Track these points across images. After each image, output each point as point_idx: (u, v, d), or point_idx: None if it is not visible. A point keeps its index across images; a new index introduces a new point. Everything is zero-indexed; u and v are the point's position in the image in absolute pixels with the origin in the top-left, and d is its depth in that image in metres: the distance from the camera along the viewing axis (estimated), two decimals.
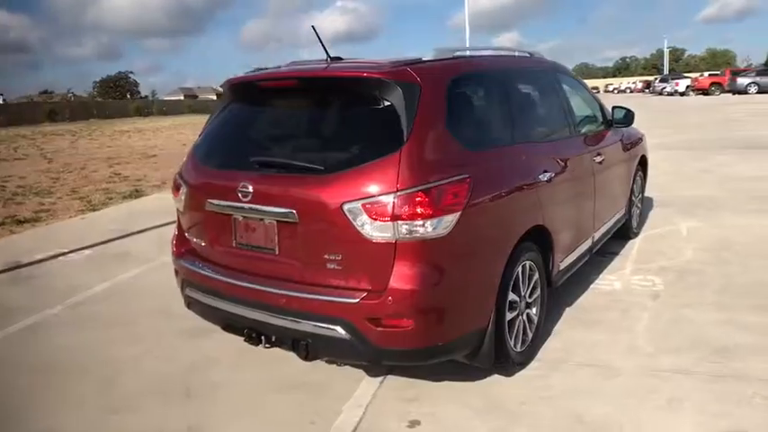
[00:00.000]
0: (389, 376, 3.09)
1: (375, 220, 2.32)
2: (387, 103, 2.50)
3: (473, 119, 3.05)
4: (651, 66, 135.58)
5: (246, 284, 2.72)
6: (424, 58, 2.86)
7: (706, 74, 42.59)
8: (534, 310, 3.22)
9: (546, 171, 3.21)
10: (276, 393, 3.01)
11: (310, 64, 3.13)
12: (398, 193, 2.31)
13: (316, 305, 2.49)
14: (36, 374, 3.33)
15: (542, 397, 2.86)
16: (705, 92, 36.64)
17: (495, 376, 3.03)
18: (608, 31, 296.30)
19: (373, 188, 2.34)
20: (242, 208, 2.66)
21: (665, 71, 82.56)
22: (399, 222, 2.30)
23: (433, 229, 2.35)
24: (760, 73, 34.68)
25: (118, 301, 4.45)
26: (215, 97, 73.53)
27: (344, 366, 3.14)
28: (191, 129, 26.20)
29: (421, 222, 2.32)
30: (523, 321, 3.10)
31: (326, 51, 2.96)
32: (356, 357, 2.63)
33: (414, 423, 2.69)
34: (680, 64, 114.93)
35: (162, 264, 4.83)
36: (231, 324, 2.87)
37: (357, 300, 2.40)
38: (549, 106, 3.90)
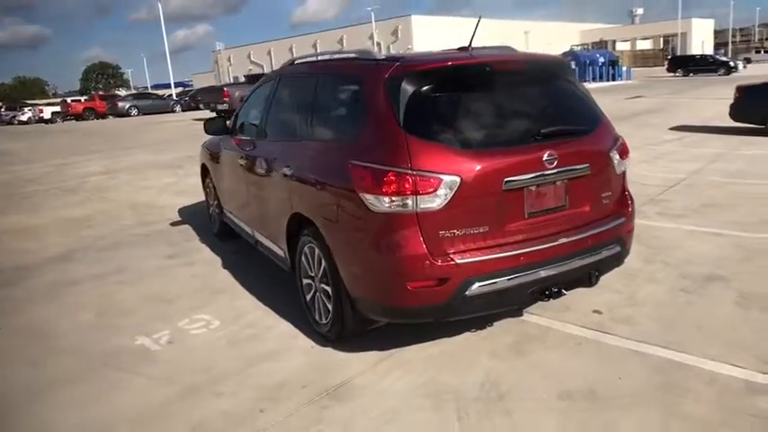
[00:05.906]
0: (519, 318, 3.39)
1: (620, 159, 3.30)
2: (579, 83, 3.54)
3: None
4: None
5: (547, 245, 2.94)
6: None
7: (69, 99, 41.78)
8: None
9: None
10: (492, 358, 2.99)
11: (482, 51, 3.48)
12: (620, 141, 3.36)
13: (605, 235, 3.17)
14: None
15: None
16: (79, 117, 35.35)
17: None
18: None
19: (612, 138, 3.32)
20: (543, 175, 2.91)
21: None
22: (624, 160, 3.35)
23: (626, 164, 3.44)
24: (137, 97, 38.93)
25: None
26: None
27: (472, 332, 3.23)
28: None
29: (627, 160, 3.41)
30: None
31: (471, 42, 3.44)
32: (617, 265, 3.34)
33: (596, 311, 3.44)
34: None
35: None
36: (532, 292, 2.94)
37: (624, 219, 3.30)
38: None
